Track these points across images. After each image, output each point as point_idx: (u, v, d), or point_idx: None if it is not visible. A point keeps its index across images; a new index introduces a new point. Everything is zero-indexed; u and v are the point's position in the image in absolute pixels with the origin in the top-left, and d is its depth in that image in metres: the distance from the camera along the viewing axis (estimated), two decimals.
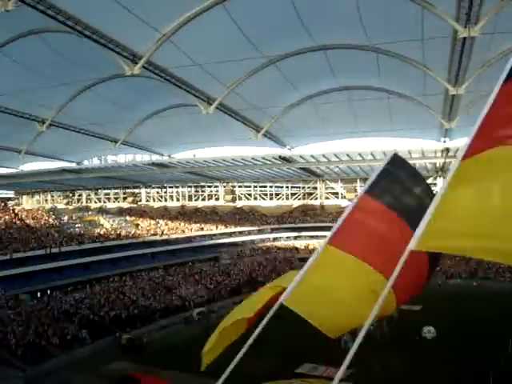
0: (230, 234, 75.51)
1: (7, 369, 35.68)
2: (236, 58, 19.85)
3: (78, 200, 66.06)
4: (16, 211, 68.40)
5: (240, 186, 56.02)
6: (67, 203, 67.19)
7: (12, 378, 33.96)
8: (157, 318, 49.17)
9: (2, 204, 68.81)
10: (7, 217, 65.53)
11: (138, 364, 34.17)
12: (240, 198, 56.37)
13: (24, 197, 70.94)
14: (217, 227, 74.99)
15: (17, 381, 33.78)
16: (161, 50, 17.72)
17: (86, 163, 44.14)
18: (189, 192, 58.66)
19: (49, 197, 69.59)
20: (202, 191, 58.07)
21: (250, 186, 55.63)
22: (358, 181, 48.59)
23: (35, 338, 42.38)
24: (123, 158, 43.05)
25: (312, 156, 36.79)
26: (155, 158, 40.50)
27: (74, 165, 43.78)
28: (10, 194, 70.74)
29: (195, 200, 57.37)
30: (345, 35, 18.72)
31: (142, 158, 41.94)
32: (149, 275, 61.03)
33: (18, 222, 65.29)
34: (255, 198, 55.59)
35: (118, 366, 35.94)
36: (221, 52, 19.43)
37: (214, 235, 72.26)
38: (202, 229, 72.75)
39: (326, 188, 52.14)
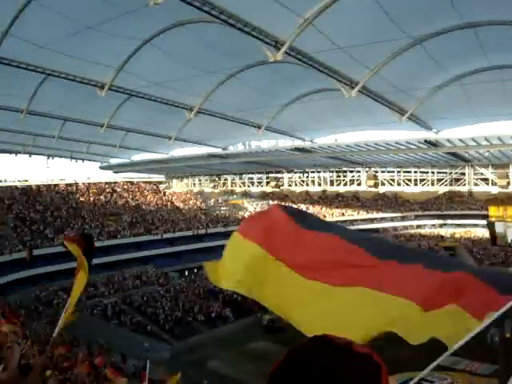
0: (372, 220, 74.29)
1: (156, 341, 38.23)
2: (379, 40, 19.26)
3: (224, 184, 68.44)
4: (167, 194, 72.44)
5: (383, 171, 54.59)
6: (213, 187, 69.91)
7: (160, 351, 36.30)
8: None
9: (154, 187, 73.22)
10: (159, 199, 69.61)
11: (277, 344, 34.88)
12: (383, 184, 54.96)
13: (174, 180, 74.85)
14: (358, 213, 74.16)
15: (164, 353, 36.08)
16: (302, 35, 17.67)
17: (231, 149, 45.49)
18: (330, 177, 58.28)
19: (196, 181, 72.83)
20: (344, 176, 57.41)
21: (393, 171, 53.97)
22: (511, 166, 45.25)
23: (183, 314, 44.82)
24: (266, 143, 43.82)
25: (460, 140, 34.79)
26: (297, 143, 40.71)
27: (219, 150, 45.37)
28: (162, 177, 74.94)
29: (337, 185, 56.86)
30: (496, 11, 17.38)
31: (285, 143, 42.36)
32: None
33: (168, 204, 69.16)
34: (398, 184, 53.84)
35: (258, 346, 37.05)
36: (363, 34, 18.96)
37: (355, 221, 71.53)
38: (343, 214, 72.34)
39: (475, 174, 49.05)
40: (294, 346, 1.52)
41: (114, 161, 57.28)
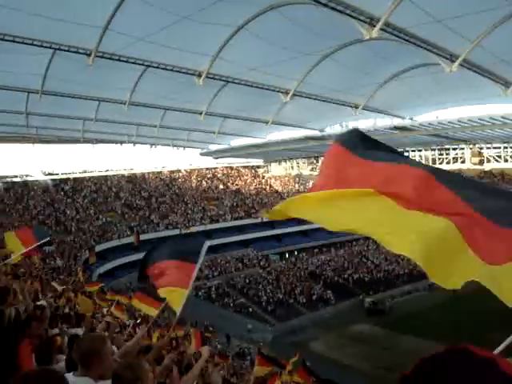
0: None
1: (258, 323, 38.90)
2: (479, 9, 18.19)
3: None
4: (265, 178, 73.07)
5: (488, 148, 52.00)
6: (312, 169, 69.72)
7: (263, 332, 36.91)
8: (400, 284, 48.73)
9: (253, 171, 74.07)
10: (258, 183, 70.37)
11: (379, 327, 34.48)
12: (488, 161, 52.40)
13: (272, 164, 75.37)
14: None
15: (267, 334, 36.65)
16: (398, 9, 17.05)
17: (328, 130, 45.07)
18: (432, 155, 56.33)
19: (294, 164, 72.94)
20: (447, 154, 55.29)
21: (499, 147, 51.27)
22: None
23: (284, 296, 45.24)
24: (364, 123, 42.97)
25: None
26: (396, 121, 39.64)
27: (316, 132, 45.08)
28: (260, 162, 75.66)
29: (439, 163, 54.81)
30: None
31: (383, 122, 41.37)
32: None
33: (267, 188, 69.76)
34: (506, 161, 51.09)
35: (360, 328, 36.73)
36: (460, 4, 17.97)
37: None
38: None
39: None
40: (428, 354, 1.42)
41: (213, 147, 58.51)
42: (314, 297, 45.64)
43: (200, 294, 44.82)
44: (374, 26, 17.65)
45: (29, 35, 20.04)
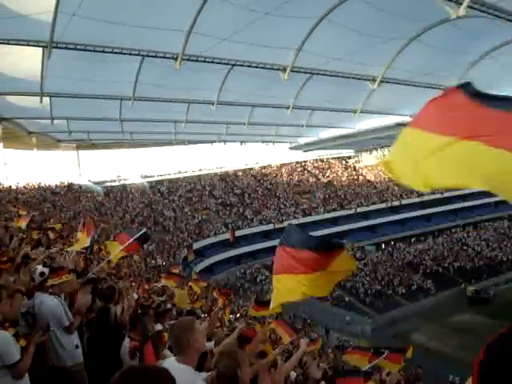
0: None
1: (357, 315, 38.49)
2: None
3: None
4: (357, 168, 72.09)
5: None
6: None
7: (362, 324, 36.49)
8: (504, 270, 46.63)
9: (344, 162, 73.28)
10: (349, 174, 69.59)
11: (483, 316, 33.15)
12: None
13: (363, 154, 74.20)
14: None
15: (366, 326, 36.19)
16: None
17: None
18: None
19: (386, 152, 71.32)
20: None
21: None
22: None
23: (382, 287, 44.53)
24: None
25: None
26: None
27: (407, 118, 43.86)
28: (350, 152, 74.72)
29: None
30: None
31: None
32: (493, 225, 57.96)
33: (359, 178, 68.85)
34: None
35: (463, 318, 35.49)
36: None
37: None
38: None
39: None
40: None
41: (302, 140, 58.37)
42: (414, 287, 44.58)
43: None
44: (461, 4, 16.94)
45: (118, 44, 20.95)
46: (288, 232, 5.67)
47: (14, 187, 43.16)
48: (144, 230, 10.51)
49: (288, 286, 5.38)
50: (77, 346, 6.22)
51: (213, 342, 6.75)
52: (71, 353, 6.09)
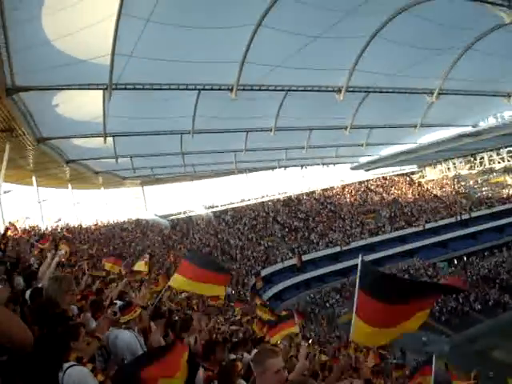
0: None
1: (433, 334, 37.29)
2: None
3: (481, 163, 64.34)
4: (422, 183, 70.69)
5: None
6: (470, 168, 66.19)
7: (439, 343, 35.31)
8: None
9: (408, 178, 71.98)
10: (414, 190, 68.26)
11: None
12: None
13: (427, 168, 72.72)
14: None
15: (443, 345, 35.00)
16: None
17: (481, 124, 42.64)
18: None
19: (450, 164, 69.74)
20: None
21: None
22: None
23: (457, 304, 43.11)
24: None
25: None
26: None
27: (469, 128, 42.85)
28: (414, 167, 73.40)
29: None
30: None
31: None
32: None
33: (425, 193, 67.42)
34: None
35: None
36: None
37: None
38: None
39: None
40: None
41: (363, 159, 57.95)
42: (491, 302, 42.86)
43: None
44: None
45: (174, 81, 21.63)
46: (364, 271, 5.63)
47: (83, 226, 44.62)
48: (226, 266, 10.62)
49: (365, 332, 5.60)
50: None
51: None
52: None
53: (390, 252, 53.81)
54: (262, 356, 3.94)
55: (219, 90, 23.12)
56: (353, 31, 20.25)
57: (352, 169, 62.92)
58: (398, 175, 72.71)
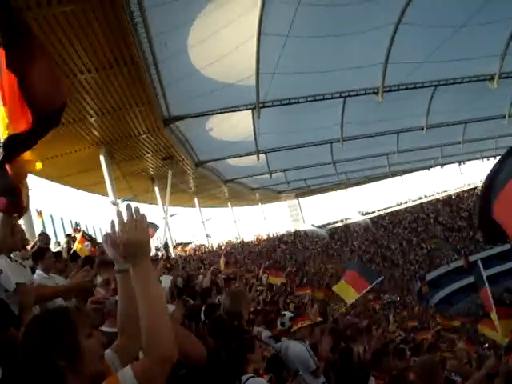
0: None
1: None
2: None
3: None
4: None
5: None
6: None
7: None
8: None
9: None
10: None
11: None
12: None
13: None
14: None
15: None
16: None
17: None
18: None
19: None
20: None
21: None
22: None
23: None
24: None
25: None
26: None
27: None
28: None
29: None
30: None
31: None
32: None
33: None
34: None
35: None
36: None
37: None
38: None
39: None
40: None
41: None
42: None
43: None
44: None
45: (318, 92, 21.92)
46: None
47: (246, 241, 46.32)
48: (381, 278, 10.72)
49: None
50: None
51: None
52: None
53: None
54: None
55: (364, 94, 22.98)
56: (498, 15, 19.10)
57: None
58: None
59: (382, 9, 17.72)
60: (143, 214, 2.02)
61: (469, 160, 52.19)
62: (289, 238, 51.04)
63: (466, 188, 62.07)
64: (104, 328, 3.73)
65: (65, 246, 12.41)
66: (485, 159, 51.64)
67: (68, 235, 14.15)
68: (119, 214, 2.00)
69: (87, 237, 13.21)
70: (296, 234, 52.96)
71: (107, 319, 3.75)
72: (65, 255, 9.83)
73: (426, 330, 17.08)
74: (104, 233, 2.29)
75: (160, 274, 7.52)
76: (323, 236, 53.78)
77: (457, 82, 24.77)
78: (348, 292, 10.81)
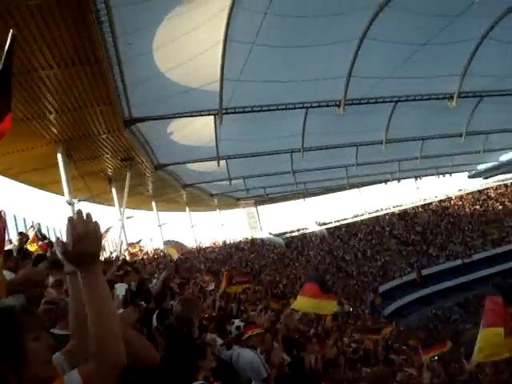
0: None
1: None
2: None
3: None
4: None
5: None
6: None
7: None
8: None
9: None
10: None
11: None
12: None
13: None
14: None
15: None
16: None
17: None
18: None
19: None
20: None
21: None
22: None
23: None
24: None
25: None
26: None
27: None
28: None
29: None
30: None
31: None
32: None
33: None
34: None
35: None
36: None
37: None
38: None
39: None
40: None
41: (481, 167, 55.34)
42: None
43: None
44: None
45: (281, 101, 22.06)
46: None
47: (202, 247, 46.13)
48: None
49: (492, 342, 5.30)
50: None
51: None
52: None
53: None
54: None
55: (327, 106, 23.22)
56: (461, 35, 19.63)
57: (469, 177, 60.14)
58: None
59: (348, 23, 17.98)
60: (96, 222, 1.97)
61: (425, 176, 53.27)
62: (245, 245, 51.06)
63: (421, 203, 63.33)
64: (55, 330, 3.65)
65: (17, 244, 12.10)
66: (440, 175, 52.82)
67: (20, 233, 13.84)
68: (70, 221, 1.94)
69: (40, 236, 12.94)
70: (253, 241, 53.02)
71: (60, 321, 3.67)
72: (15, 254, 9.58)
73: (375, 333, 17.35)
74: (56, 237, 2.24)
75: (113, 276, 7.38)
76: (280, 244, 53.96)
77: (417, 99, 25.25)
78: (308, 304, 10.55)
